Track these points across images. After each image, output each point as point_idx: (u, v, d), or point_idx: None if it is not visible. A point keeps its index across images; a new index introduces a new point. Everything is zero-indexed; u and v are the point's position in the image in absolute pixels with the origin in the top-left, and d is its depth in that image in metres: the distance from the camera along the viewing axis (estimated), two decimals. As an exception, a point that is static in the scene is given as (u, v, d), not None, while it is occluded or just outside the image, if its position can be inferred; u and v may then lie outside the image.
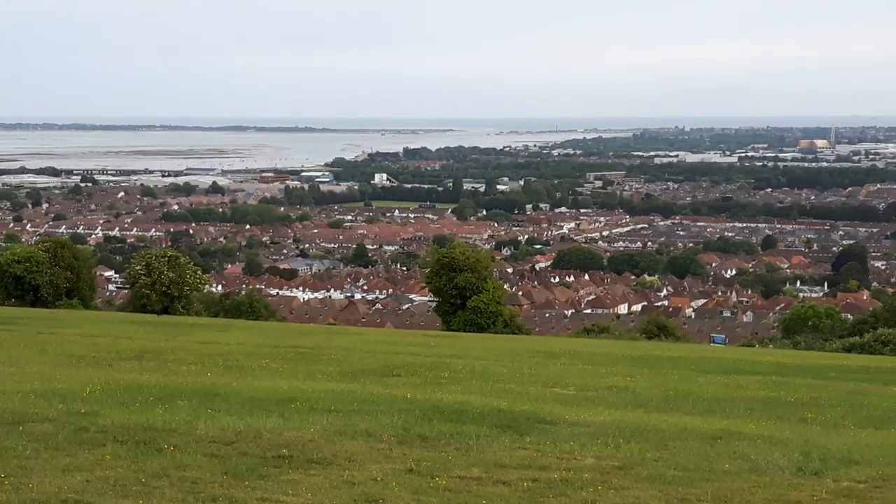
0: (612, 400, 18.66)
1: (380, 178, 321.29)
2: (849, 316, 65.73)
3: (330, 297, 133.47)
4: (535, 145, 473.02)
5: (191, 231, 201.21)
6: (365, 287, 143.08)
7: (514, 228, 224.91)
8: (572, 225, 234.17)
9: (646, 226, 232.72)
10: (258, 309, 59.42)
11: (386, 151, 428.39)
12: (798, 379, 23.77)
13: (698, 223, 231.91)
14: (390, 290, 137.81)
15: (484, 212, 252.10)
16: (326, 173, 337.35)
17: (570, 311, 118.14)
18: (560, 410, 16.17)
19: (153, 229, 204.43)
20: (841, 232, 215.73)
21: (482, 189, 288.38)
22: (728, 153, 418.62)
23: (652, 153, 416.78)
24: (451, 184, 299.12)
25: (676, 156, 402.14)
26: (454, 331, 49.10)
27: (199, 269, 55.90)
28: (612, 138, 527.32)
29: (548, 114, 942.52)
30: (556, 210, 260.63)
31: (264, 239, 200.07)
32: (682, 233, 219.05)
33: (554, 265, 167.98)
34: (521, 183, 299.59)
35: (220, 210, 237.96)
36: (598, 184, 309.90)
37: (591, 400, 18.54)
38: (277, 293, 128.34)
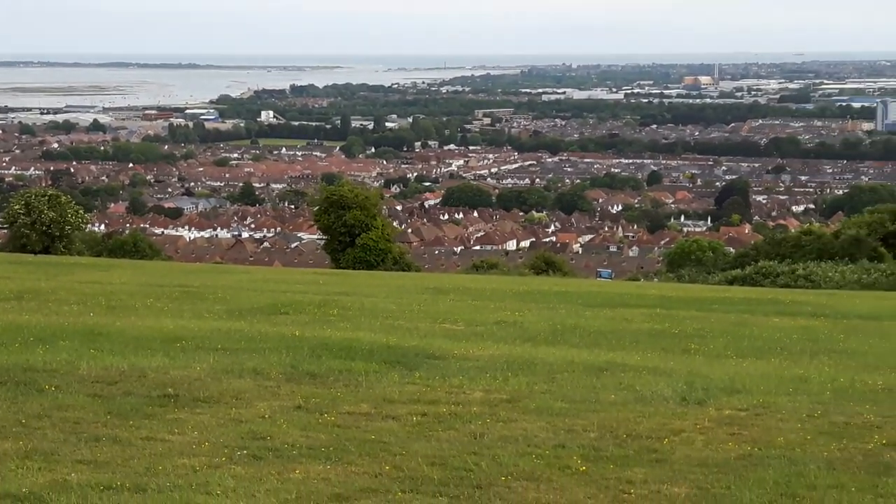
0: (500, 334, 18.76)
1: (266, 116, 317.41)
2: (731, 249, 67.06)
3: (216, 236, 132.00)
4: (423, 82, 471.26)
5: (72, 170, 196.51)
6: (252, 226, 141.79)
7: (402, 166, 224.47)
8: (461, 162, 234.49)
9: (534, 162, 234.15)
10: (142, 248, 58.46)
11: (272, 89, 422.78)
12: (682, 311, 24.17)
13: (585, 159, 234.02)
14: (278, 229, 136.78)
15: (372, 149, 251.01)
16: (211, 111, 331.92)
17: (459, 248, 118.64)
18: (449, 346, 16.20)
19: (32, 168, 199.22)
20: (724, 167, 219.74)
21: (371, 127, 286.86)
22: (614, 90, 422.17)
23: (540, 90, 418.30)
24: (339, 121, 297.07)
25: (564, 93, 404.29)
26: (343, 268, 48.94)
27: (81, 209, 54.63)
28: (500, 75, 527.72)
29: (436, 51, 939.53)
30: (445, 147, 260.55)
31: (148, 177, 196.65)
32: (569, 169, 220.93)
33: (443, 202, 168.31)
34: (410, 120, 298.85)
35: (102, 148, 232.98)
36: (487, 121, 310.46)
37: (480, 335, 18.62)
38: (162, 232, 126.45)
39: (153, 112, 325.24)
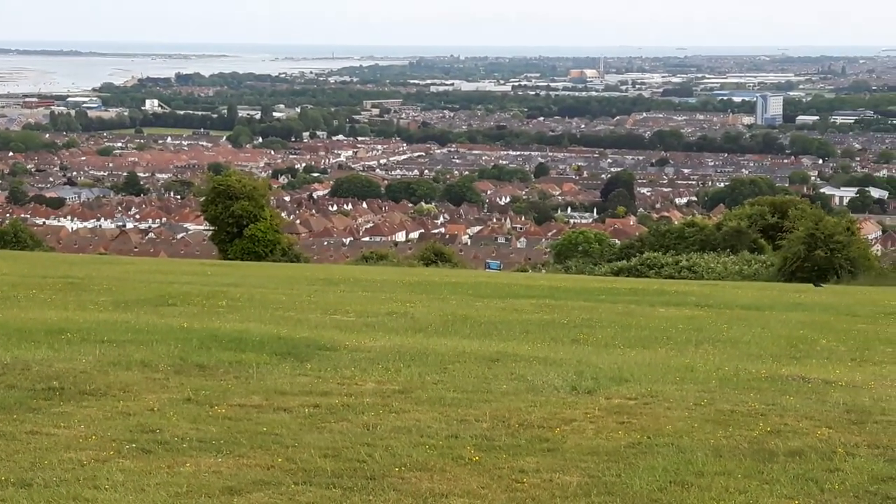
0: (391, 325, 18.74)
1: (151, 105, 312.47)
2: (617, 241, 68.02)
3: (100, 226, 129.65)
4: (311, 72, 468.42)
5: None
6: (137, 216, 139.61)
7: (291, 156, 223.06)
8: (350, 153, 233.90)
9: (423, 154, 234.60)
10: (23, 239, 57.14)
11: (157, 77, 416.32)
12: (570, 302, 24.42)
13: (474, 151, 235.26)
14: (164, 219, 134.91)
15: (260, 139, 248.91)
16: (94, 99, 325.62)
17: (348, 239, 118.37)
18: (340, 337, 16.13)
19: None
20: (609, 160, 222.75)
21: (258, 116, 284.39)
22: (502, 82, 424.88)
23: (428, 81, 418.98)
24: (225, 111, 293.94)
25: (452, 84, 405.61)
26: (231, 260, 48.46)
27: (-41, 198, 53.18)
28: (388, 66, 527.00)
29: (324, 40, 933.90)
30: (334, 138, 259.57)
31: (29, 166, 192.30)
32: (458, 161, 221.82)
33: (332, 193, 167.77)
34: (298, 110, 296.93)
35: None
36: (376, 112, 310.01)
37: (371, 326, 18.58)
38: (44, 223, 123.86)
39: (34, 100, 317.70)
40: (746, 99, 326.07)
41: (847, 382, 13.00)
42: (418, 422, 10.45)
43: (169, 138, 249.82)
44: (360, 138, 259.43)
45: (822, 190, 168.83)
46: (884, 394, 12.30)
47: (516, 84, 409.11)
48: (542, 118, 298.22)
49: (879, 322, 21.46)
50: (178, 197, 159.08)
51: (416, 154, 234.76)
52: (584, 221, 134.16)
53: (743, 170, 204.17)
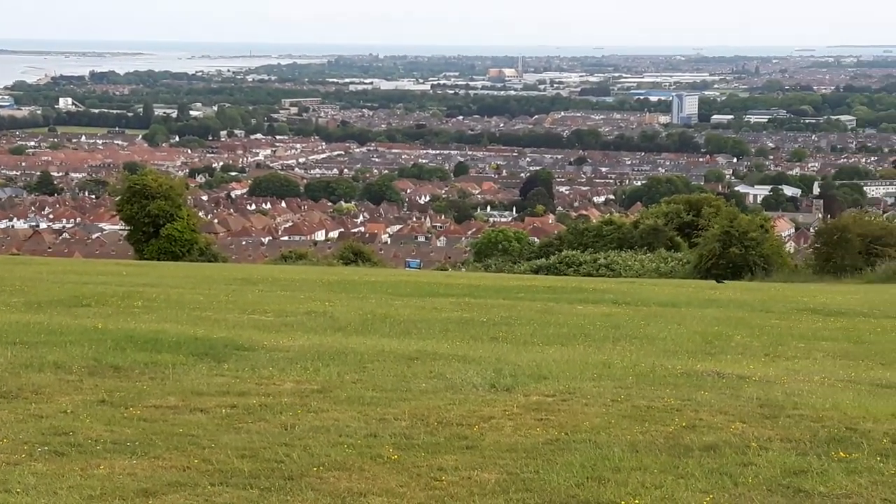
0: (310, 325, 18.64)
1: (65, 103, 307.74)
2: (536, 239, 68.39)
3: (13, 226, 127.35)
4: (228, 70, 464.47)
5: None
6: (51, 216, 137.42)
7: (208, 155, 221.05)
8: (268, 152, 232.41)
9: (342, 153, 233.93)
10: (-66, 240, 55.93)
11: (71, 75, 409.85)
12: (490, 300, 24.50)
13: (393, 150, 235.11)
14: (78, 219, 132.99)
15: (177, 138, 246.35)
16: (6, 97, 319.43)
17: (267, 239, 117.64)
18: (258, 336, 16.02)
19: None
20: (528, 158, 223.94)
21: (174, 115, 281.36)
22: (421, 81, 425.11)
23: (347, 80, 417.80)
24: (141, 109, 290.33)
25: (371, 83, 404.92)
26: (147, 260, 47.88)
27: None
28: (306, 64, 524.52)
29: (242, 38, 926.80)
30: (252, 137, 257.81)
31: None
32: (377, 160, 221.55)
33: (250, 192, 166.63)
34: (215, 109, 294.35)
35: None
36: (294, 110, 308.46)
37: (290, 325, 18.47)
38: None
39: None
40: (662, 98, 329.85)
41: (760, 377, 13.20)
42: (337, 421, 10.40)
43: (83, 137, 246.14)
44: (278, 137, 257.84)
45: (736, 188, 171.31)
46: (796, 388, 12.51)
47: (435, 83, 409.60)
48: (461, 117, 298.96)
49: (792, 318, 21.82)
50: (93, 196, 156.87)
51: (336, 153, 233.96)
52: (503, 220, 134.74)
53: (659, 168, 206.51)
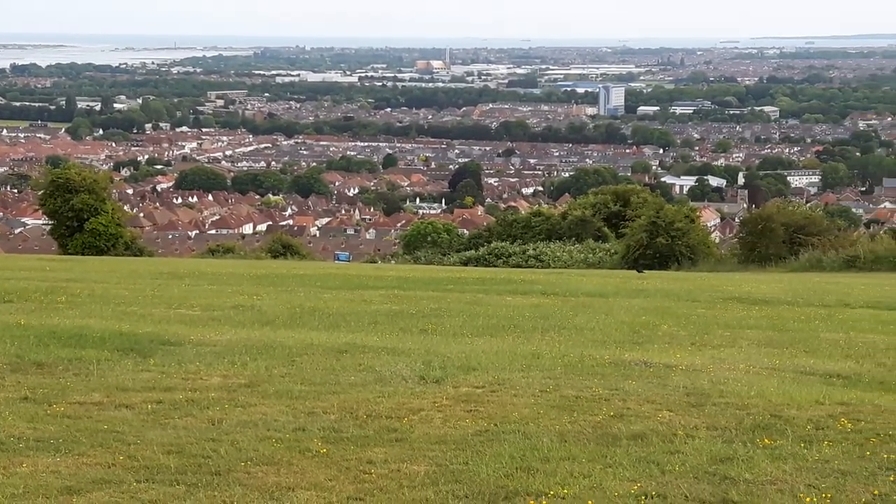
0: (238, 319, 18.48)
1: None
2: (465, 231, 68.52)
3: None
4: (152, 62, 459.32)
5: None
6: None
7: (133, 148, 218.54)
8: (194, 144, 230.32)
9: (269, 145, 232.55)
10: None
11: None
12: (419, 292, 24.46)
13: (321, 142, 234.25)
14: (0, 214, 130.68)
15: (101, 131, 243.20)
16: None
17: (194, 232, 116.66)
18: (185, 331, 15.85)
19: None
20: (457, 150, 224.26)
21: (98, 108, 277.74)
22: (349, 73, 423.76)
23: (273, 72, 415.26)
24: (64, 102, 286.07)
25: (298, 75, 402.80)
26: (71, 254, 47.20)
27: None
28: (232, 56, 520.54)
29: (166, 30, 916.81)
30: (178, 129, 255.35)
31: None
32: (305, 152, 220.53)
33: (176, 186, 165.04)
34: (140, 101, 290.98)
35: None
36: (220, 103, 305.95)
37: (217, 319, 18.30)
38: None
39: None
40: (589, 90, 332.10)
41: (687, 366, 13.33)
42: (265, 415, 10.32)
43: (4, 130, 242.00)
44: (204, 130, 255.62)
45: (662, 179, 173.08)
46: (722, 376, 12.65)
47: (363, 75, 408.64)
48: (389, 109, 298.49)
49: (717, 307, 22.06)
50: (15, 191, 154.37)
51: (263, 145, 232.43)
52: (432, 212, 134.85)
53: (587, 160, 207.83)
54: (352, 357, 13.66)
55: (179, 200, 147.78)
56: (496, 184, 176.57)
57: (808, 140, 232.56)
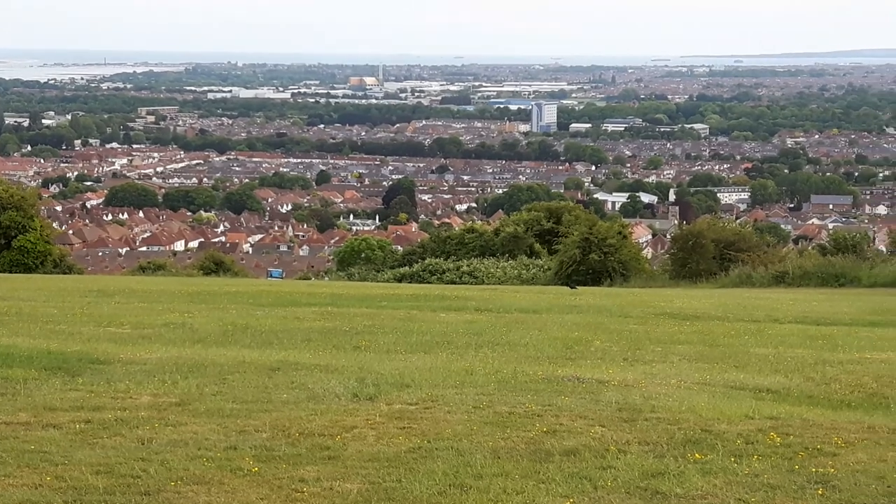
0: (169, 337, 18.31)
1: None
2: (399, 247, 68.48)
3: None
4: (82, 78, 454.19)
5: None
6: None
7: (62, 165, 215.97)
8: (125, 161, 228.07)
9: (201, 161, 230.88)
10: None
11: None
12: (353, 309, 24.39)
13: (254, 158, 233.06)
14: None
15: (29, 147, 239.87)
16: None
17: (124, 250, 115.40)
18: (115, 349, 15.65)
19: None
20: (391, 167, 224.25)
21: (26, 124, 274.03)
22: (281, 89, 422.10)
23: (205, 88, 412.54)
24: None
25: (230, 91, 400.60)
26: (-1, 272, 46.49)
27: None
28: (163, 72, 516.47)
29: (96, 45, 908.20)
30: (108, 146, 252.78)
31: None
32: (237, 168, 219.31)
33: (106, 202, 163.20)
34: (69, 117, 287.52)
35: None
36: (151, 119, 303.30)
37: (148, 337, 18.11)
38: None
39: None
40: (522, 107, 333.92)
41: (619, 382, 13.39)
42: (195, 434, 10.21)
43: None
44: (135, 146, 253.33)
45: (595, 195, 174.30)
46: (654, 392, 12.73)
47: (296, 91, 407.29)
48: (322, 125, 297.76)
49: (650, 322, 22.23)
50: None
51: (195, 162, 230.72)
52: (366, 228, 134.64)
53: (520, 176, 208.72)
54: (284, 375, 13.57)
55: (109, 217, 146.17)
56: (430, 200, 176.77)
57: (738, 157, 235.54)
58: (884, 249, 51.25)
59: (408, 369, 14.15)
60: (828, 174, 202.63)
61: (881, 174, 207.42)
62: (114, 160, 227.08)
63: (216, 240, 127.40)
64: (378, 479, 8.84)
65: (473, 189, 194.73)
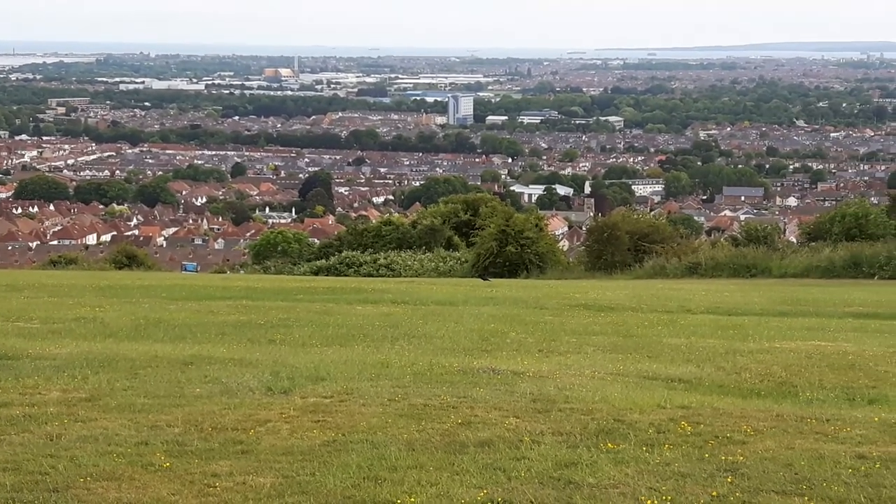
0: (80, 331, 18.06)
1: None
2: (316, 240, 68.11)
3: None
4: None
5: None
6: None
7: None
8: (34, 153, 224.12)
9: (113, 154, 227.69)
10: None
11: None
12: (268, 302, 24.26)
13: (167, 151, 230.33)
14: None
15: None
16: None
17: (34, 243, 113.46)
18: (23, 344, 15.40)
19: None
20: (307, 159, 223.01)
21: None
22: (195, 80, 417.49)
23: (117, 79, 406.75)
24: None
25: (143, 82, 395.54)
26: None
27: None
28: (74, 63, 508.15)
29: (3, 36, 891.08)
30: (17, 138, 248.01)
31: None
32: (151, 161, 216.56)
33: (16, 195, 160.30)
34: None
35: None
36: (62, 110, 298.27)
37: (58, 332, 17.84)
38: None
39: None
40: (439, 99, 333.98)
41: (534, 373, 13.48)
42: (106, 430, 10.07)
43: None
44: (45, 138, 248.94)
45: (511, 188, 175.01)
46: (568, 382, 12.83)
47: (210, 83, 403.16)
48: (237, 117, 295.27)
49: (565, 314, 22.40)
50: None
51: (107, 154, 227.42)
52: (282, 221, 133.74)
53: (437, 168, 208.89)
54: (197, 369, 13.45)
55: (19, 210, 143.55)
56: (347, 193, 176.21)
57: (652, 150, 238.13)
58: (794, 240, 52.17)
59: (323, 362, 14.11)
60: (739, 166, 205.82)
61: (791, 166, 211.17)
62: (23, 152, 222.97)
63: (129, 233, 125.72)
64: (292, 472, 8.80)
65: (390, 181, 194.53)
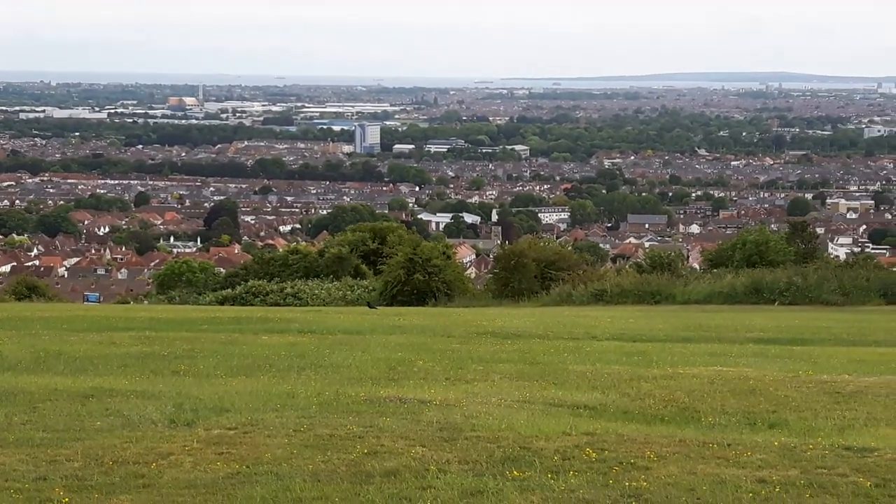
0: (-24, 365, 17.61)
1: None
2: (222, 269, 67.45)
3: None
4: None
5: None
6: None
7: None
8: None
9: (13, 183, 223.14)
10: None
11: None
12: (172, 333, 23.94)
13: (69, 180, 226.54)
14: None
15: None
16: None
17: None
18: (-83, 379, 14.96)
19: None
20: (212, 188, 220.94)
21: None
22: (97, 109, 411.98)
23: (16, 108, 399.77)
24: None
25: (43, 111, 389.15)
26: None
27: None
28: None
29: None
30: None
31: None
32: (52, 190, 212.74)
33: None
34: None
35: None
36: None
37: (-46, 366, 17.38)
38: None
39: None
40: (345, 128, 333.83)
41: (441, 401, 13.47)
42: (3, 465, 9.85)
43: None
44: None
45: (419, 216, 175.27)
46: (474, 410, 12.84)
47: (112, 111, 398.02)
48: (140, 146, 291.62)
49: (472, 342, 22.44)
50: None
51: (6, 183, 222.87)
52: (187, 250, 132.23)
53: (345, 197, 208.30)
54: (98, 402, 13.22)
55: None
56: (253, 221, 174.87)
57: (557, 178, 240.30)
58: (697, 267, 53.00)
59: (227, 394, 13.96)
60: (643, 194, 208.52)
61: (694, 194, 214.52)
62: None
63: (30, 263, 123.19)
64: (195, 506, 8.67)
65: (297, 210, 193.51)
